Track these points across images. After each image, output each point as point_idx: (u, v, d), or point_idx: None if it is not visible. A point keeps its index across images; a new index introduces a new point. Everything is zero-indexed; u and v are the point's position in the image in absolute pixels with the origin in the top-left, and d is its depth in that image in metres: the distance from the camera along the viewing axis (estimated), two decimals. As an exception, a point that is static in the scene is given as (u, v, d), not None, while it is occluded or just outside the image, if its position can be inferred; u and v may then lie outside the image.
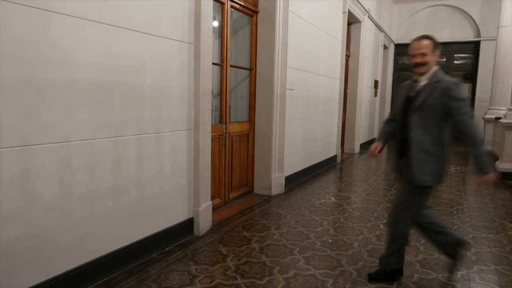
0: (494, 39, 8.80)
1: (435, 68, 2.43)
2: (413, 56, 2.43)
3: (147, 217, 2.84)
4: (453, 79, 2.38)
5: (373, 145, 2.65)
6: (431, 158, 2.38)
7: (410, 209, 2.51)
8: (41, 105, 2.03)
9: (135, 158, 2.68)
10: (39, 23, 1.97)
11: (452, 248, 2.66)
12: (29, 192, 2.01)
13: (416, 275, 2.67)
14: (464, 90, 11.89)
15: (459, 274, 2.70)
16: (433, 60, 2.41)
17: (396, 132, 2.59)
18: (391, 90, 12.74)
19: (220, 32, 4.04)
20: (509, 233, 3.59)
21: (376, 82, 10.65)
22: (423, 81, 2.44)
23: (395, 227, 2.57)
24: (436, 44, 2.43)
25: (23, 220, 2.00)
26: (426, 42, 2.41)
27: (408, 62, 12.76)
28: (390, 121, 2.74)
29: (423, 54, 2.39)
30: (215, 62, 3.86)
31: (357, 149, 8.81)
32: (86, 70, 2.25)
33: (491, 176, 2.25)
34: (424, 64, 2.40)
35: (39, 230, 2.08)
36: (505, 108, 6.53)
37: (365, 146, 9.76)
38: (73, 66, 2.17)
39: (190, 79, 3.15)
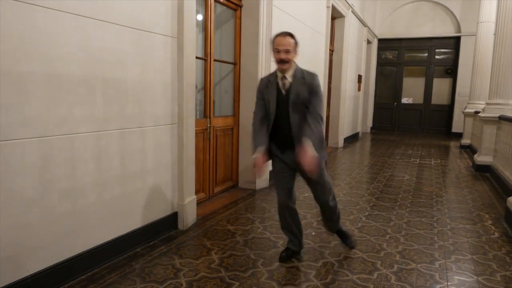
0: (474, 35, 8.99)
1: (295, 64, 2.56)
2: (278, 51, 2.49)
3: (130, 211, 2.84)
4: (312, 72, 2.57)
5: (258, 159, 2.51)
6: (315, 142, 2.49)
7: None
8: (21, 100, 2.00)
9: (118, 152, 2.67)
10: (18, 16, 1.94)
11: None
12: (9, 187, 1.99)
13: (396, 265, 2.74)
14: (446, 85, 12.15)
15: (436, 263, 2.79)
16: (294, 57, 2.53)
17: (275, 131, 2.61)
18: (374, 84, 12.91)
19: (204, 26, 4.02)
20: (486, 223, 3.71)
21: (359, 76, 10.77)
22: (289, 77, 2.55)
23: None
24: (297, 43, 2.55)
25: (3, 216, 1.97)
26: (290, 39, 2.50)
27: (391, 57, 12.96)
28: (262, 121, 2.65)
29: (287, 51, 2.48)
30: (198, 56, 3.85)
31: (341, 143, 8.92)
32: (67, 64, 2.23)
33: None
34: (288, 61, 2.49)
35: (20, 226, 2.06)
36: (484, 102, 6.69)
37: (349, 140, 9.88)
38: (53, 60, 2.14)
39: (174, 73, 3.13)
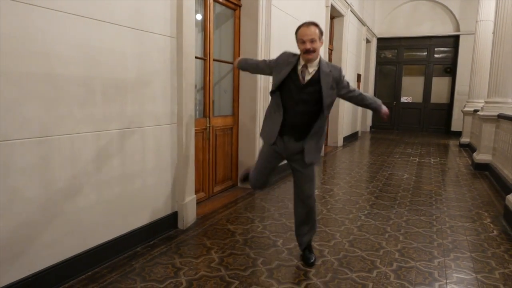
0: (473, 33, 9.00)
1: (320, 55, 2.52)
2: (303, 42, 2.43)
3: (131, 211, 2.85)
4: (338, 66, 2.57)
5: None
6: (320, 138, 2.62)
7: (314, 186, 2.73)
8: (21, 100, 2.01)
9: (118, 152, 2.68)
10: (18, 16, 1.95)
11: None
12: (10, 187, 2.00)
13: (395, 263, 2.75)
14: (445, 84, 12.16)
15: (435, 261, 2.80)
16: (320, 47, 2.48)
17: (285, 116, 2.55)
18: (374, 83, 12.92)
19: (203, 26, 4.03)
20: (485, 221, 3.73)
21: (359, 75, 10.78)
22: (312, 68, 2.48)
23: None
24: (322, 32, 2.50)
25: (4, 216, 1.98)
26: (314, 28, 2.44)
27: (390, 55, 12.96)
28: (260, 68, 2.82)
29: (313, 40, 2.42)
30: (198, 56, 3.86)
31: (340, 142, 8.93)
32: (67, 64, 2.23)
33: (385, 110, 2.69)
34: (314, 51, 2.43)
35: (21, 225, 2.07)
36: (483, 101, 6.71)
37: (349, 139, 9.90)
38: (53, 60, 2.15)
39: (173, 73, 3.14)
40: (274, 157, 2.72)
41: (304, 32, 2.43)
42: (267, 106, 2.75)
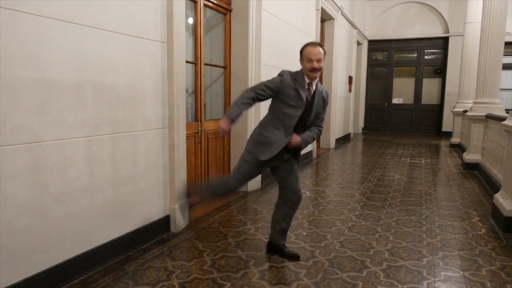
0: (462, 35, 9.14)
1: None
2: (311, 60, 2.56)
3: (123, 215, 2.87)
4: (326, 90, 2.79)
5: (227, 125, 2.57)
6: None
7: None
8: (12, 106, 2.03)
9: (110, 157, 2.70)
10: (7, 23, 1.97)
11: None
12: (1, 192, 2.01)
13: (385, 263, 2.80)
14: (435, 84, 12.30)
15: (424, 260, 2.85)
16: (323, 66, 2.63)
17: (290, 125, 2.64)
18: (365, 85, 13.03)
19: (194, 31, 4.06)
20: (473, 220, 3.79)
21: (350, 78, 10.87)
22: (314, 86, 2.67)
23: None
24: (325, 53, 2.67)
25: (-4, 222, 2.00)
26: (320, 49, 2.60)
27: (381, 58, 13.08)
28: (252, 100, 2.65)
29: (319, 60, 2.57)
30: (189, 60, 3.89)
31: (332, 144, 8.99)
32: (58, 70, 2.26)
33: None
34: (320, 69, 2.59)
35: (13, 231, 2.09)
36: (472, 101, 6.81)
37: (341, 140, 9.97)
38: (44, 66, 2.17)
39: (164, 78, 3.17)
40: (263, 169, 2.81)
41: (312, 52, 2.57)
42: (258, 110, 2.80)
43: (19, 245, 2.13)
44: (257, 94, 2.63)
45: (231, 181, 2.83)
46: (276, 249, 2.92)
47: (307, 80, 2.63)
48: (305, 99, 2.62)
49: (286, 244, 2.95)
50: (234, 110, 2.60)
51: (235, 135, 4.75)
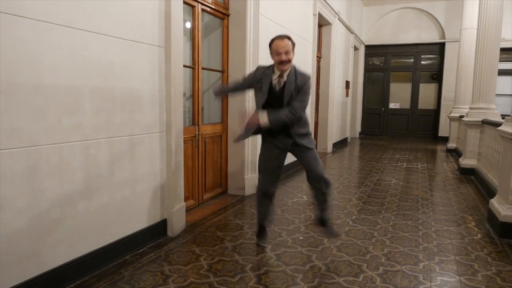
0: (458, 41, 9.20)
1: (293, 64, 2.79)
2: (279, 53, 2.68)
3: (119, 219, 2.86)
4: (306, 74, 2.80)
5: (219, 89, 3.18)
6: (301, 127, 2.92)
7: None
8: (9, 110, 2.03)
9: (107, 161, 2.70)
10: (6, 27, 1.97)
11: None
12: (-2, 197, 2.01)
13: (381, 268, 2.80)
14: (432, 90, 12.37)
15: (420, 265, 2.86)
16: (293, 57, 2.75)
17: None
18: (362, 90, 13.08)
19: (192, 35, 4.08)
20: (469, 225, 3.81)
21: (347, 82, 10.92)
22: (285, 76, 2.76)
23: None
24: (294, 44, 2.76)
25: (-8, 225, 1.99)
26: (287, 41, 2.71)
27: (378, 62, 13.15)
28: (233, 88, 3.11)
29: (287, 52, 2.68)
30: (186, 64, 3.90)
31: (329, 148, 9.01)
32: (55, 74, 2.26)
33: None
34: (289, 61, 2.70)
35: (9, 235, 2.08)
36: (468, 107, 6.85)
37: (338, 145, 10.00)
38: (41, 70, 2.18)
39: (162, 82, 3.18)
40: (275, 149, 2.95)
41: (279, 45, 2.69)
42: None
43: (15, 249, 2.13)
44: (237, 81, 3.09)
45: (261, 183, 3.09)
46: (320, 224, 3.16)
47: (277, 72, 2.77)
48: (267, 90, 2.78)
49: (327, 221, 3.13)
50: (224, 88, 3.29)
51: (232, 139, 4.75)
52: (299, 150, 2.93)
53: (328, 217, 3.12)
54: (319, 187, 2.96)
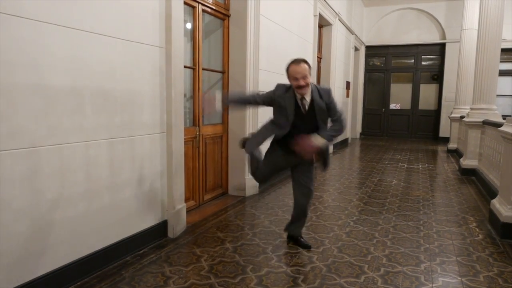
0: (458, 42, 9.20)
1: (312, 84, 2.80)
2: (296, 79, 2.70)
3: (120, 220, 2.86)
4: (327, 88, 2.87)
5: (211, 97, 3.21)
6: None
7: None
8: (10, 111, 2.02)
9: (107, 162, 2.69)
10: (5, 28, 1.97)
11: None
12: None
13: (382, 269, 2.79)
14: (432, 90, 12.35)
15: (422, 266, 2.85)
16: (310, 81, 2.75)
17: (286, 137, 2.90)
18: (362, 91, 13.07)
19: (192, 36, 4.08)
20: (470, 226, 3.80)
21: (348, 83, 10.91)
22: (308, 97, 2.80)
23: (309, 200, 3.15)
24: (310, 67, 2.79)
25: (-8, 227, 1.99)
26: (304, 65, 2.72)
27: (379, 63, 13.14)
28: (247, 102, 3.18)
29: (305, 77, 2.69)
30: (187, 65, 3.90)
31: (330, 149, 8.99)
32: (56, 75, 2.26)
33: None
34: (307, 85, 2.72)
35: (9, 237, 2.08)
36: (469, 107, 6.85)
37: (339, 146, 9.98)
38: (42, 71, 2.17)
39: (162, 82, 3.18)
40: (283, 156, 3.02)
41: (296, 70, 2.70)
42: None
43: (15, 251, 2.12)
44: (255, 95, 3.06)
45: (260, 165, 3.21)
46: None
47: (298, 96, 2.79)
48: (293, 112, 2.81)
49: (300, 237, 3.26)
50: (233, 96, 3.14)
51: (233, 140, 4.75)
52: (303, 163, 3.00)
53: (301, 232, 3.28)
54: (305, 203, 3.10)
